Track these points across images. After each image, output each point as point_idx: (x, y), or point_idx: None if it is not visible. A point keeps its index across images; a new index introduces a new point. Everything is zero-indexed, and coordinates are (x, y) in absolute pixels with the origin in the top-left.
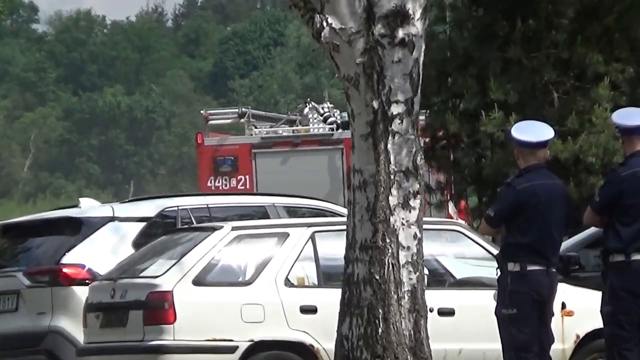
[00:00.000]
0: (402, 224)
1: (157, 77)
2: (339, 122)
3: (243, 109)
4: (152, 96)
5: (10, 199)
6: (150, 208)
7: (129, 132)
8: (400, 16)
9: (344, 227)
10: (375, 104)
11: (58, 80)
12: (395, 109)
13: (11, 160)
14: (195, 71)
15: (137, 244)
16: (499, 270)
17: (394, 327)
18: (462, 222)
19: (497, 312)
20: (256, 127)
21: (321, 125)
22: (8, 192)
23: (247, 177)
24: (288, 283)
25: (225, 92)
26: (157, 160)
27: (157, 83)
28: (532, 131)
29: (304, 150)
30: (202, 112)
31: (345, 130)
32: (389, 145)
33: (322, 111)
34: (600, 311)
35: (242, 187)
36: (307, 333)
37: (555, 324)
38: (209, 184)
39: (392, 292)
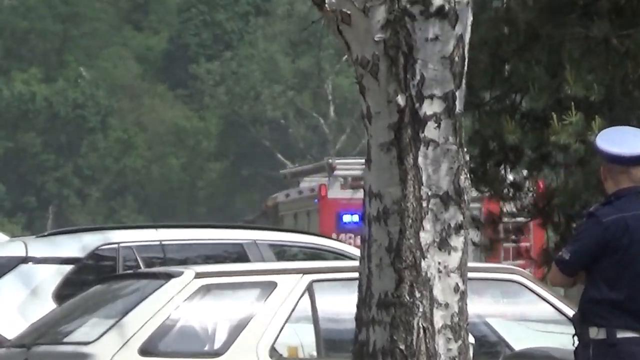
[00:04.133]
0: (439, 272)
1: (89, 58)
2: None
3: None
4: (82, 85)
5: None
6: (78, 245)
7: (47, 135)
8: None
9: (356, 274)
10: (401, 100)
11: None
12: (430, 108)
13: None
14: (143, 50)
15: (60, 296)
16: (576, 338)
17: None
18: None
19: None
20: None
21: None
22: None
23: None
24: (275, 354)
25: (186, 80)
26: (88, 177)
27: (89, 66)
28: (625, 141)
29: None
30: (329, 160)
31: None
32: (420, 159)
33: None
34: None
35: None
36: None
37: None
38: None
39: None
